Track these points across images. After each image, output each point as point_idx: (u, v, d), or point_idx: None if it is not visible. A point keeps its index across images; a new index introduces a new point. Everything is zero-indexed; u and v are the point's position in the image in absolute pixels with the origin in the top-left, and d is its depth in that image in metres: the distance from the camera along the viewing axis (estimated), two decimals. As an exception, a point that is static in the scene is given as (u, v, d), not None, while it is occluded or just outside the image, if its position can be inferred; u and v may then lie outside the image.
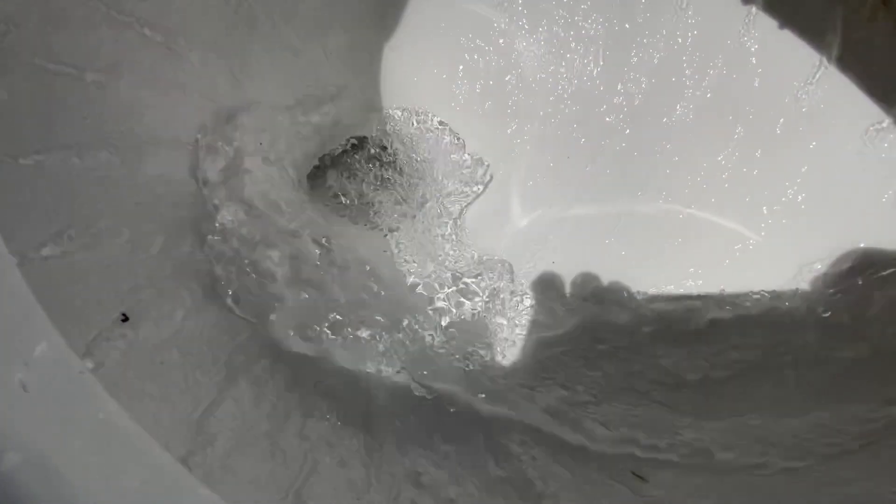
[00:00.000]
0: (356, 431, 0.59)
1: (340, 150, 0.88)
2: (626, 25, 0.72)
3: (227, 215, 0.63)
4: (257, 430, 0.48)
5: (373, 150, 0.88)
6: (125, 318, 0.48)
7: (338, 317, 0.66)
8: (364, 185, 0.87)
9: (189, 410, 0.42)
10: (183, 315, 0.52)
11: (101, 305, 0.43)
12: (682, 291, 0.72)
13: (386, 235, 0.84)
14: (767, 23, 0.63)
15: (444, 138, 0.86)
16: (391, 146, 0.88)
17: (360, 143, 0.88)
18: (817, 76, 0.62)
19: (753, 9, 0.64)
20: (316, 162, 0.87)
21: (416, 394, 0.63)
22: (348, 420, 0.59)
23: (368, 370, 0.64)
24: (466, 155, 0.86)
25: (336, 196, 0.86)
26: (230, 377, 0.52)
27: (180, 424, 0.40)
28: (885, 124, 0.59)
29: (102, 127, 0.53)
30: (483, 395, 0.66)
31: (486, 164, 0.85)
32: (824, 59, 0.61)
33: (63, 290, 0.39)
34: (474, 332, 0.75)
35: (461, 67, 0.82)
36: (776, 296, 0.66)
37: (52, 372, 0.27)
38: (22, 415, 0.25)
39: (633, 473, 0.61)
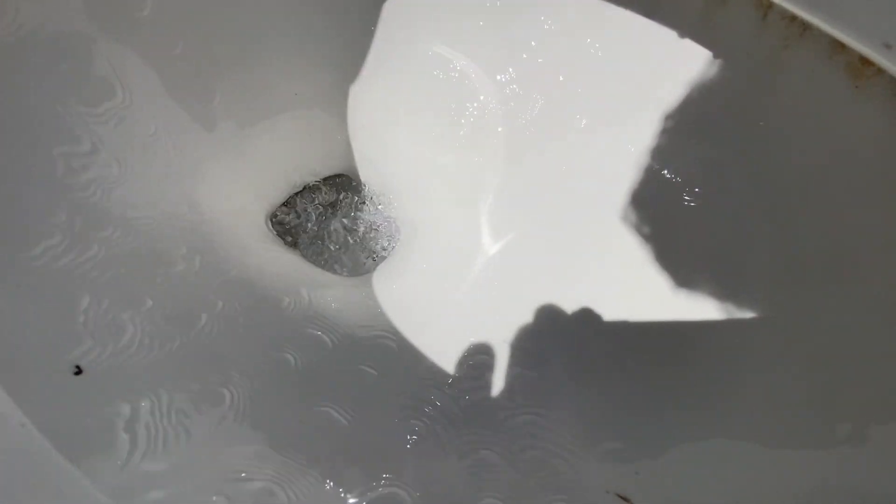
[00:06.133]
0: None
1: (302, 190, 0.89)
2: (573, 61, 0.77)
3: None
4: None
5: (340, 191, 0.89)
6: (78, 371, 0.45)
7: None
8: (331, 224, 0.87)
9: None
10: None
11: (51, 358, 0.41)
12: (652, 309, 0.74)
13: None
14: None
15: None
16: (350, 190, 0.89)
17: (325, 183, 0.89)
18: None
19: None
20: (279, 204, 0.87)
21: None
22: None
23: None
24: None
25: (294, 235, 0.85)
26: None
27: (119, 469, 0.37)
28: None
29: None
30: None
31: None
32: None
33: (7, 341, 0.37)
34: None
35: (424, 103, 0.85)
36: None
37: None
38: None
39: (619, 496, 0.60)
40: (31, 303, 0.43)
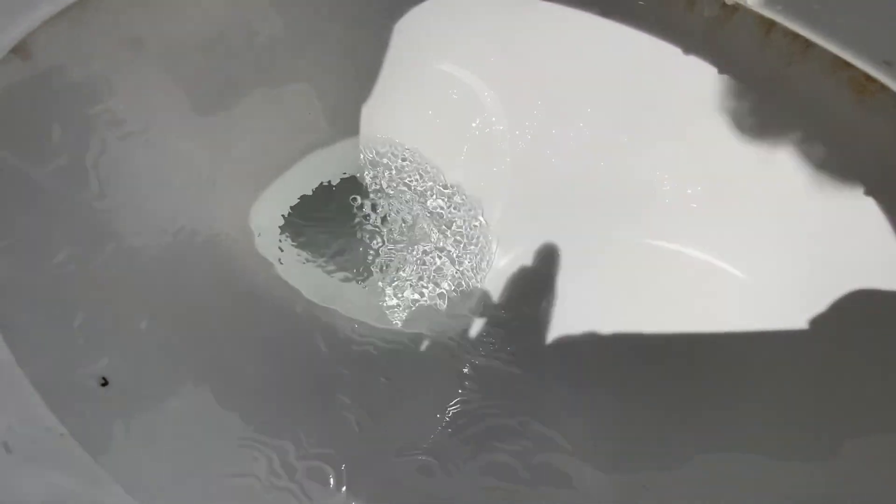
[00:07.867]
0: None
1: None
2: (579, 76, 0.78)
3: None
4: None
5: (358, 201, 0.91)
6: (105, 383, 0.47)
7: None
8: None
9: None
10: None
11: (82, 370, 0.43)
12: (658, 324, 0.74)
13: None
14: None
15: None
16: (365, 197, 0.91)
17: (337, 203, 0.91)
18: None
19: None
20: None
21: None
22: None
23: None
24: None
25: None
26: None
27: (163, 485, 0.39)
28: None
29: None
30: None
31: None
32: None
33: (45, 354, 0.39)
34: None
35: (434, 121, 0.87)
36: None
37: (34, 434, 0.27)
38: (4, 473, 0.25)
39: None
40: (50, 315, 0.45)
